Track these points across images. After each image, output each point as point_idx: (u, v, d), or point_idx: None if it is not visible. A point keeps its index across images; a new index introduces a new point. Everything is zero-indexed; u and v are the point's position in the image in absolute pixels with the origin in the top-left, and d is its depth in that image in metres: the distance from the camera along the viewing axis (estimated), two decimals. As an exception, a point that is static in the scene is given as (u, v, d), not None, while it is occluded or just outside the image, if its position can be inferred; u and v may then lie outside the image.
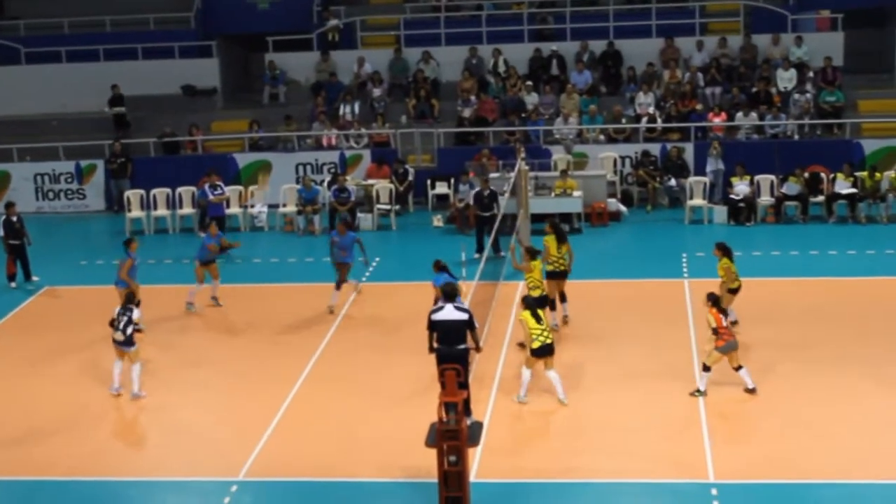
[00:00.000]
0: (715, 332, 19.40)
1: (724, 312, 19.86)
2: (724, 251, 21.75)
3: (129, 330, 20.32)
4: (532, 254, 21.86)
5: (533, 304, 19.51)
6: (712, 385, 19.74)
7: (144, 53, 38.60)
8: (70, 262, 29.56)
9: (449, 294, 18.04)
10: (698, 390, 19.55)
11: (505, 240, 26.63)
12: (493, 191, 28.47)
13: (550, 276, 22.64)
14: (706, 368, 19.60)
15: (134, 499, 17.20)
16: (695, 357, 21.05)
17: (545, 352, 19.24)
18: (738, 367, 19.61)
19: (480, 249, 26.74)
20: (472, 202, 29.04)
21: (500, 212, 27.21)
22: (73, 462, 18.21)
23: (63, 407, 20.30)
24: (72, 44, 38.93)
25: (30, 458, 18.38)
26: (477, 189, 28.88)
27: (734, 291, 21.72)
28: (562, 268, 22.76)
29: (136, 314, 20.62)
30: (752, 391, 19.52)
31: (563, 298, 23.10)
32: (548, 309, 21.57)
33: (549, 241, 22.68)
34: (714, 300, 19.72)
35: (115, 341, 20.37)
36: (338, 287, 24.46)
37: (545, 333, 19.19)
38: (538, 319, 19.20)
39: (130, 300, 20.77)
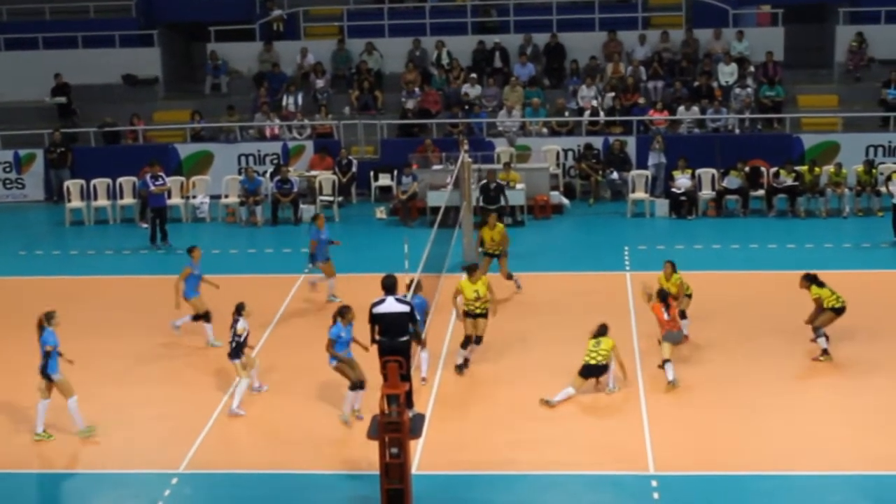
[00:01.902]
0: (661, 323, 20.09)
1: (668, 306, 20.21)
2: (810, 280, 21.05)
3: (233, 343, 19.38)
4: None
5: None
6: (652, 378, 19.90)
7: (85, 42, 38.14)
8: (9, 252, 29.24)
9: (389, 287, 18.02)
10: (669, 381, 19.67)
11: (447, 233, 26.58)
12: (499, 183, 28.46)
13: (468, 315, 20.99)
14: (665, 361, 19.89)
15: (73, 492, 17.08)
16: (636, 350, 21.17)
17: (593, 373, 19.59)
18: (667, 360, 19.82)
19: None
20: (478, 194, 28.52)
21: (507, 204, 27.22)
22: (9, 455, 18.02)
23: (1, 398, 20.08)
24: (10, 31, 38.44)
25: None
26: (484, 181, 28.69)
27: (837, 311, 20.88)
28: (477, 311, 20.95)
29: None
30: (672, 384, 19.60)
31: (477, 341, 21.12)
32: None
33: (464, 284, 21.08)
34: (661, 295, 20.34)
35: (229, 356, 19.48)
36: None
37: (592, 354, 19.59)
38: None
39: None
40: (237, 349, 19.33)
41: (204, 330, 22.13)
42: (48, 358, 18.21)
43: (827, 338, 20.75)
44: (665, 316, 20.11)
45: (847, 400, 19.22)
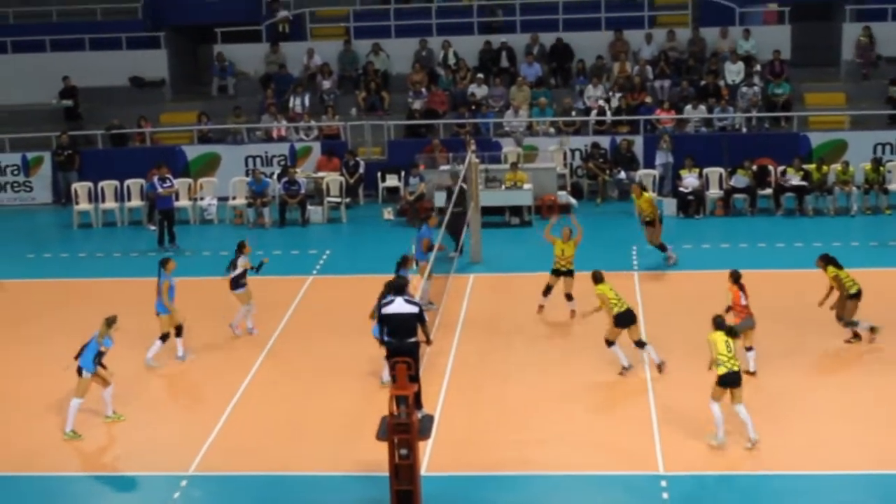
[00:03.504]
0: (728, 309, 19.75)
1: (742, 287, 20.05)
2: (827, 261, 21.21)
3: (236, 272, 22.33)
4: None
5: (723, 325, 17.79)
6: (661, 378, 19.90)
7: (92, 44, 38.18)
8: (17, 255, 29.28)
9: (398, 287, 18.01)
10: (749, 371, 19.65)
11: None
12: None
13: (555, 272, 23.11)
14: (748, 349, 19.91)
15: (83, 494, 17.10)
16: (645, 349, 21.13)
17: (732, 381, 17.53)
18: (749, 348, 19.90)
19: None
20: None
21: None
22: (20, 457, 18.05)
23: (10, 401, 20.12)
24: (18, 34, 38.47)
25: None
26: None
27: (854, 297, 21.07)
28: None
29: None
30: (751, 373, 19.71)
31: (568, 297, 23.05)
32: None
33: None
34: (735, 277, 20.02)
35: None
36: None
37: (732, 360, 17.51)
38: (732, 333, 17.81)
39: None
40: (237, 281, 22.36)
41: (175, 345, 21.62)
42: (94, 355, 18.54)
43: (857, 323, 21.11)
44: (743, 300, 19.86)
45: (857, 398, 19.18)
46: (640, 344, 20.40)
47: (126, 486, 17.28)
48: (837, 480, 16.61)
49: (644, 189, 26.60)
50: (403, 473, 15.43)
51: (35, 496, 17.03)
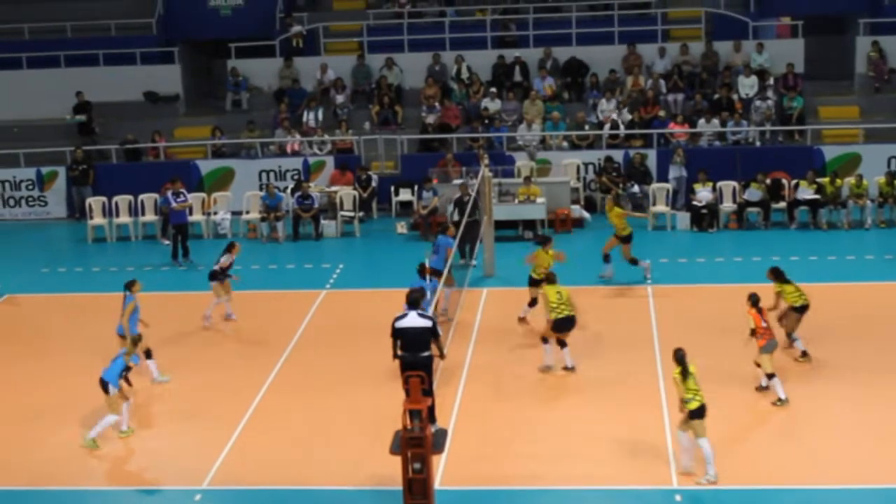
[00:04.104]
0: (753, 332, 19.48)
1: (760, 310, 19.69)
2: (775, 275, 21.23)
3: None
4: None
5: (682, 360, 17.23)
6: (674, 391, 19.83)
7: (106, 60, 38.35)
8: (31, 269, 29.35)
9: (414, 301, 18.02)
10: (779, 399, 19.33)
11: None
12: (472, 197, 28.30)
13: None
14: (770, 376, 19.50)
15: (96, 508, 17.12)
16: (658, 363, 21.10)
17: (702, 413, 17.07)
18: (771, 375, 19.49)
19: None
20: (452, 208, 28.64)
21: (479, 218, 27.22)
22: (33, 472, 18.06)
23: (24, 415, 20.14)
24: (33, 50, 38.62)
25: (-10, 468, 18.27)
26: (458, 195, 28.59)
27: (798, 311, 21.13)
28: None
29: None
30: (782, 401, 19.29)
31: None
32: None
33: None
34: (754, 300, 19.62)
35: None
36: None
37: (700, 394, 17.06)
38: (686, 376, 17.16)
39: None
40: (215, 274, 23.92)
41: (148, 368, 21.37)
42: (121, 371, 18.70)
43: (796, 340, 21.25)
44: (763, 323, 19.58)
45: (872, 412, 19.07)
46: (562, 344, 20.96)
47: (140, 500, 17.28)
48: (855, 494, 16.52)
49: (617, 203, 26.62)
50: (417, 487, 15.43)
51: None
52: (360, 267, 28.89)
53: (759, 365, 19.79)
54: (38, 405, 20.54)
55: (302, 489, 17.26)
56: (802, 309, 21.10)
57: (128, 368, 18.82)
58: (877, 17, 36.86)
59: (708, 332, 22.40)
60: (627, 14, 38.34)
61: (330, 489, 17.18)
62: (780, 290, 21.10)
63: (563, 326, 20.81)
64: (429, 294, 20.59)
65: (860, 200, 30.67)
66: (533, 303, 23.38)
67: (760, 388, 19.81)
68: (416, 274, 21.72)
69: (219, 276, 24.14)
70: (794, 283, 21.13)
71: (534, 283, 23.28)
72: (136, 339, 19.91)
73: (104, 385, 18.65)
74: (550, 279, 21.28)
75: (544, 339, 21.03)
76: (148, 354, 21.23)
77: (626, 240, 25.59)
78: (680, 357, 17.21)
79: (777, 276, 21.22)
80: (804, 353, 21.18)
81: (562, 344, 20.93)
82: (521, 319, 23.60)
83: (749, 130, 33.92)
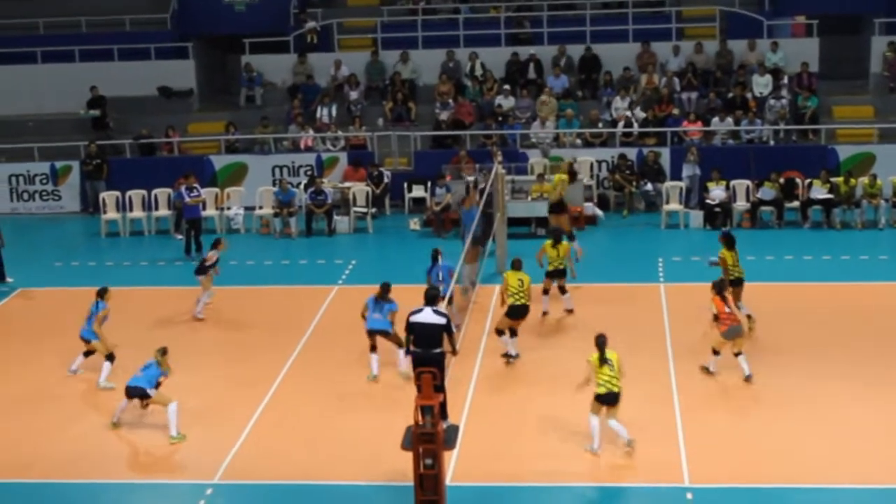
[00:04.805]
0: (716, 318, 20.18)
1: (725, 298, 20.43)
2: (724, 239, 22.55)
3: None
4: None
5: (602, 345, 17.83)
6: (687, 388, 19.84)
7: (120, 55, 38.42)
8: (45, 263, 29.42)
9: (430, 299, 18.01)
10: (706, 368, 20.41)
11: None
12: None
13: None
14: (715, 352, 20.36)
15: (108, 502, 17.12)
16: (671, 361, 21.11)
17: (606, 400, 17.80)
18: (738, 353, 20.23)
19: None
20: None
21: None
22: (47, 465, 18.12)
23: (37, 409, 20.21)
24: (47, 44, 38.70)
25: (3, 462, 18.29)
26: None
27: (734, 284, 22.04)
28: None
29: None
30: (748, 379, 20.06)
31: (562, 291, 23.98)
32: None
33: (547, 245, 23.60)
34: (719, 288, 20.33)
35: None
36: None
37: (613, 381, 17.73)
38: (604, 362, 17.79)
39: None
40: (201, 268, 24.26)
41: (102, 369, 21.20)
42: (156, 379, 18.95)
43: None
44: (726, 308, 20.20)
45: (886, 412, 19.04)
46: (514, 333, 21.43)
47: (151, 494, 17.33)
48: (868, 494, 16.51)
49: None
50: (428, 483, 15.42)
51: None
52: (373, 263, 28.89)
53: (716, 352, 20.38)
54: (52, 399, 20.60)
55: (314, 484, 17.29)
56: (737, 283, 22.04)
57: (160, 380, 18.95)
58: (892, 16, 36.70)
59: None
60: (642, 12, 38.30)
61: (342, 484, 17.21)
62: (724, 256, 22.15)
63: (518, 313, 21.21)
64: (442, 286, 20.69)
65: (874, 200, 30.59)
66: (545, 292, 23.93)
67: (706, 370, 20.49)
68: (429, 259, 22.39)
69: (204, 270, 24.48)
70: (736, 255, 22.28)
71: (548, 275, 23.81)
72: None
73: (135, 392, 18.68)
74: (516, 265, 21.70)
75: (499, 332, 21.48)
76: (110, 357, 21.16)
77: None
78: (600, 343, 17.89)
79: (727, 241, 22.34)
80: (749, 317, 22.20)
81: (513, 332, 21.34)
82: (545, 314, 23.84)
83: (763, 129, 33.85)
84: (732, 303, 20.70)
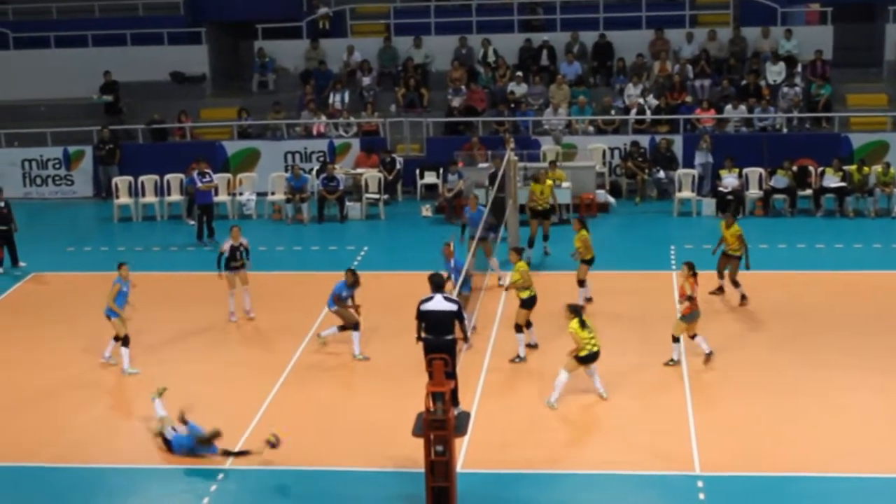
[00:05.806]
0: (690, 299, 20.30)
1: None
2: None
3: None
4: (518, 253, 21.76)
5: (579, 312, 19.23)
6: (698, 377, 19.83)
7: (133, 39, 38.41)
8: (57, 248, 29.49)
9: (437, 284, 18.03)
10: (672, 360, 20.57)
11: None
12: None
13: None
14: (675, 340, 20.59)
15: (120, 487, 17.18)
16: (682, 349, 21.09)
17: (591, 359, 19.16)
18: (694, 336, 20.56)
19: None
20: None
21: None
22: (58, 449, 18.20)
23: (49, 393, 20.27)
24: (60, 29, 38.72)
25: (14, 445, 18.37)
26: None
27: (587, 262, 23.32)
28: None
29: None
30: (709, 356, 20.46)
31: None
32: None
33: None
34: (694, 270, 20.47)
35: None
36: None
37: (593, 341, 19.06)
38: (584, 326, 19.01)
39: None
40: (220, 262, 23.08)
41: (120, 355, 21.16)
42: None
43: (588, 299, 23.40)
44: (694, 293, 20.42)
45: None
46: (529, 324, 21.30)
47: (164, 479, 17.37)
48: (879, 483, 16.48)
49: (584, 225, 23.90)
50: (439, 470, 15.44)
51: (76, 487, 17.15)
52: (385, 249, 28.90)
53: (675, 339, 20.58)
54: (64, 384, 20.66)
55: (324, 470, 17.32)
56: (590, 262, 23.32)
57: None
58: (907, 4, 36.62)
59: (731, 315, 22.33)
60: (655, -1, 38.25)
61: (353, 470, 17.24)
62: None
63: (532, 304, 21.10)
64: (453, 276, 20.74)
65: (887, 188, 30.51)
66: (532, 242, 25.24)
67: (670, 363, 20.55)
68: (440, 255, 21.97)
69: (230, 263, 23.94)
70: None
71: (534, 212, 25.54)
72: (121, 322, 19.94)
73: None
74: (519, 251, 21.69)
75: (518, 328, 21.12)
76: (125, 342, 21.03)
77: (588, 262, 24.09)
78: (575, 310, 19.14)
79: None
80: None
81: (528, 324, 21.26)
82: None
83: (776, 117, 33.75)
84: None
